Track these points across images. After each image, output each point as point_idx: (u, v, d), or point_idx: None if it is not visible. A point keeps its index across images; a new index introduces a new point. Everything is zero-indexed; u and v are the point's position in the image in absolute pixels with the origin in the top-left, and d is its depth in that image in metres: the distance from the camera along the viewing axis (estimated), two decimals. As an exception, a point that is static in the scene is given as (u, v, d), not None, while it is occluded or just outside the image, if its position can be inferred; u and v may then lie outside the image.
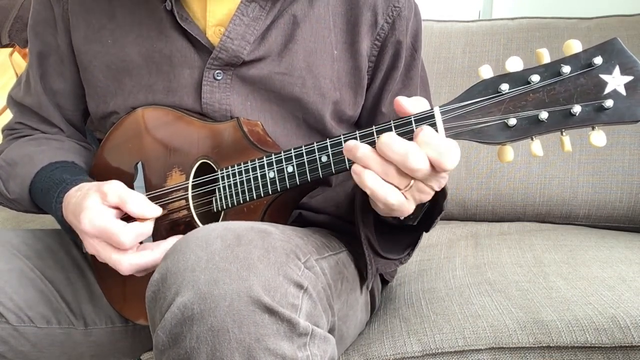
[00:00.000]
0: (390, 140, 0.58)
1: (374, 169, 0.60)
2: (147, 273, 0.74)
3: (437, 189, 0.63)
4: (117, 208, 0.75)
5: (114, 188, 0.75)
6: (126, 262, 0.73)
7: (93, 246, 0.74)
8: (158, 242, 0.75)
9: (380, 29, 0.85)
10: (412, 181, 0.60)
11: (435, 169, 0.59)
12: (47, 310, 0.86)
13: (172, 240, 0.75)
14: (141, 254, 0.73)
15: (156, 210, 0.76)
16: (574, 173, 1.34)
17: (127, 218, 0.75)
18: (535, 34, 1.44)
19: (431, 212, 0.74)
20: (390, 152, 0.58)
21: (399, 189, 0.60)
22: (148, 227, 0.75)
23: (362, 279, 0.85)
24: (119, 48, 0.86)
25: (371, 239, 0.76)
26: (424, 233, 0.79)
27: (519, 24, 1.48)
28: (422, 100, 0.63)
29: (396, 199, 0.60)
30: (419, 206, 0.67)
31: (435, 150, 0.58)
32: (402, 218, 0.68)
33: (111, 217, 0.74)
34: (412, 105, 0.62)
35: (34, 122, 0.97)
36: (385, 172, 0.60)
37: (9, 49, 1.76)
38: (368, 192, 0.61)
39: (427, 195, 0.62)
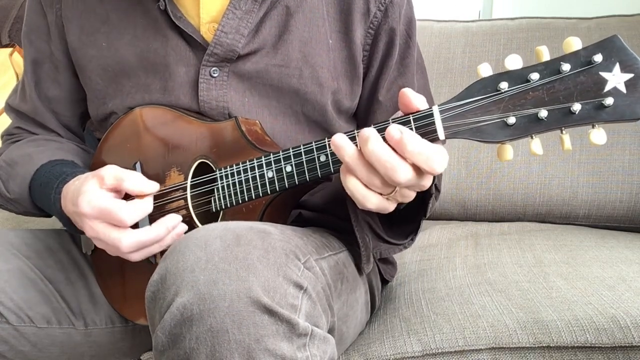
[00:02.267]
0: (378, 151, 0.58)
1: (359, 176, 0.61)
2: (148, 271, 0.74)
3: (419, 190, 0.64)
4: (115, 190, 0.76)
5: (110, 170, 0.75)
6: (126, 239, 0.73)
7: (92, 228, 0.74)
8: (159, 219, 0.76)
9: (373, 17, 0.84)
10: (397, 188, 0.62)
11: (424, 173, 0.60)
12: (47, 310, 0.86)
13: (172, 217, 0.76)
14: (141, 230, 0.74)
15: (154, 186, 0.77)
16: (574, 173, 1.34)
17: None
18: (535, 34, 1.44)
19: (422, 197, 0.75)
20: (376, 161, 0.59)
21: (382, 195, 0.62)
22: (148, 204, 0.76)
23: (363, 278, 0.85)
24: (114, 50, 0.86)
25: (372, 223, 0.77)
26: (424, 219, 0.80)
27: (519, 24, 1.48)
28: (424, 100, 0.63)
29: (374, 204, 0.62)
30: None
31: (423, 156, 0.58)
32: None
33: (110, 197, 0.74)
34: (417, 98, 0.62)
35: (31, 127, 0.97)
36: (371, 182, 0.61)
37: (9, 49, 1.76)
38: (348, 192, 0.63)
39: (409, 198, 0.64)
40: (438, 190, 0.83)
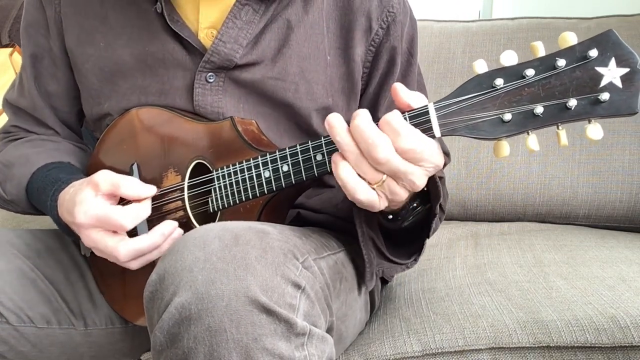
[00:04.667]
0: (363, 126, 0.59)
1: (348, 158, 0.61)
2: (147, 272, 0.74)
3: (410, 189, 0.64)
4: (111, 197, 0.75)
5: (105, 177, 0.75)
6: (123, 248, 0.73)
7: (90, 238, 0.74)
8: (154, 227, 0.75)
9: (374, 35, 0.84)
10: (384, 177, 0.61)
11: (401, 154, 0.60)
12: (47, 311, 0.86)
13: (168, 223, 0.75)
14: (138, 238, 0.74)
15: (151, 189, 0.77)
16: (574, 173, 1.33)
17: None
18: (535, 34, 1.44)
19: (427, 216, 0.74)
20: (359, 136, 0.59)
21: (371, 184, 0.62)
22: (145, 207, 0.76)
23: (361, 278, 0.85)
24: (112, 51, 0.86)
25: (376, 240, 0.76)
26: (427, 240, 0.79)
27: (519, 24, 1.48)
28: (421, 96, 0.63)
29: (365, 196, 0.62)
30: (408, 209, 0.69)
31: (393, 131, 0.59)
32: (390, 218, 0.70)
33: (106, 204, 0.74)
34: (408, 95, 0.62)
35: (29, 124, 0.96)
36: (358, 165, 0.61)
37: (9, 49, 1.76)
38: (340, 183, 0.63)
39: (399, 196, 0.64)
40: (443, 211, 0.82)
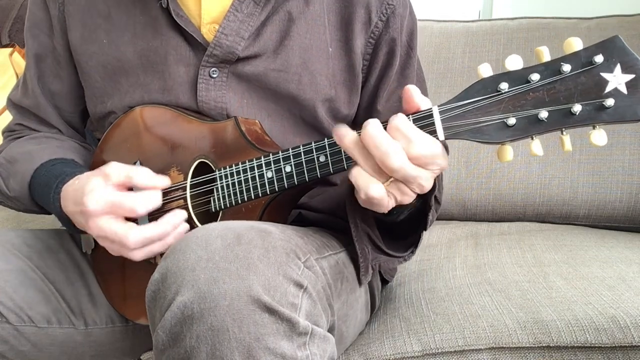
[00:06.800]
0: (374, 134, 0.59)
1: (357, 160, 0.61)
2: (148, 271, 0.74)
3: (419, 192, 0.64)
4: (121, 187, 0.76)
5: (116, 168, 0.75)
6: (133, 234, 0.72)
7: (98, 226, 0.74)
8: (162, 217, 0.76)
9: (374, 27, 0.84)
10: (392, 179, 0.61)
11: (412, 160, 0.60)
12: (47, 310, 0.86)
13: (176, 213, 0.75)
14: (147, 226, 0.74)
15: (164, 180, 0.77)
16: (574, 173, 1.34)
17: None
18: (535, 34, 1.44)
19: (422, 208, 0.75)
20: (372, 146, 0.59)
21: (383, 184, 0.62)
22: (158, 196, 0.76)
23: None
24: (115, 48, 0.86)
25: (372, 234, 0.77)
26: (424, 232, 0.80)
27: (519, 24, 1.48)
28: (426, 100, 0.63)
29: (377, 192, 0.62)
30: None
31: (405, 138, 0.59)
32: (386, 212, 0.70)
33: (118, 192, 0.74)
34: (419, 96, 0.62)
35: (33, 123, 0.97)
36: (375, 170, 0.61)
37: (9, 49, 1.76)
38: (352, 180, 0.63)
39: (408, 197, 0.64)
40: (439, 202, 0.82)
